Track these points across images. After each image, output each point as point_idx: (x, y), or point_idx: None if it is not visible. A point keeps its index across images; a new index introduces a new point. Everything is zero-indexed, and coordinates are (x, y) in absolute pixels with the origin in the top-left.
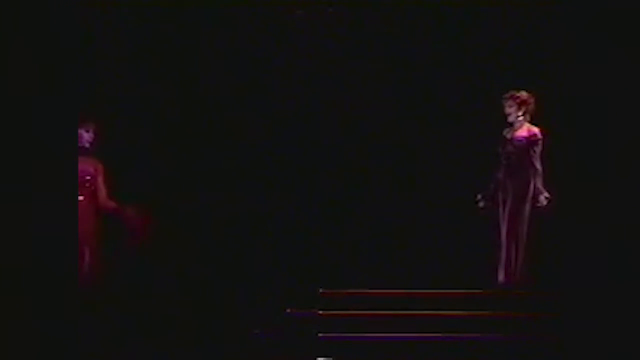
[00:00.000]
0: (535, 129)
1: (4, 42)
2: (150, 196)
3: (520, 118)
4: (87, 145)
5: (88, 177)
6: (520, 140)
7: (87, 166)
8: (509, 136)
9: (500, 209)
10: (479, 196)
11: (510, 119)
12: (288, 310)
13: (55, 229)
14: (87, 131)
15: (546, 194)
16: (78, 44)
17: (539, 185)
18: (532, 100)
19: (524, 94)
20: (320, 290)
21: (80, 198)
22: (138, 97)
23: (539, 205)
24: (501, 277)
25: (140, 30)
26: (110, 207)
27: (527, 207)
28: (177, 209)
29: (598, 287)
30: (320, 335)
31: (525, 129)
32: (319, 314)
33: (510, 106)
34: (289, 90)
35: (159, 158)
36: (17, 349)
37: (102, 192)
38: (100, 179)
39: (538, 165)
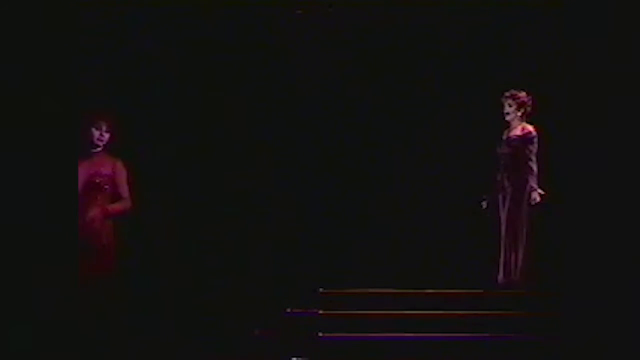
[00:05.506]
0: (530, 128)
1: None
2: (149, 195)
3: (518, 118)
4: (100, 144)
5: (98, 180)
6: (515, 140)
7: (100, 167)
8: (505, 137)
9: (500, 210)
10: (483, 197)
11: (508, 117)
12: (288, 310)
13: (55, 229)
14: (101, 129)
15: (540, 191)
16: (77, 42)
17: (533, 183)
18: (530, 101)
19: (524, 95)
20: (320, 290)
21: (93, 200)
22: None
23: (532, 202)
24: (501, 277)
25: (141, 31)
26: (127, 209)
27: (525, 207)
28: (177, 209)
29: (598, 287)
30: (320, 335)
31: (520, 128)
32: (319, 314)
33: (510, 105)
34: (288, 89)
35: (158, 157)
36: (17, 349)
37: (125, 192)
38: (120, 180)
39: (533, 164)
